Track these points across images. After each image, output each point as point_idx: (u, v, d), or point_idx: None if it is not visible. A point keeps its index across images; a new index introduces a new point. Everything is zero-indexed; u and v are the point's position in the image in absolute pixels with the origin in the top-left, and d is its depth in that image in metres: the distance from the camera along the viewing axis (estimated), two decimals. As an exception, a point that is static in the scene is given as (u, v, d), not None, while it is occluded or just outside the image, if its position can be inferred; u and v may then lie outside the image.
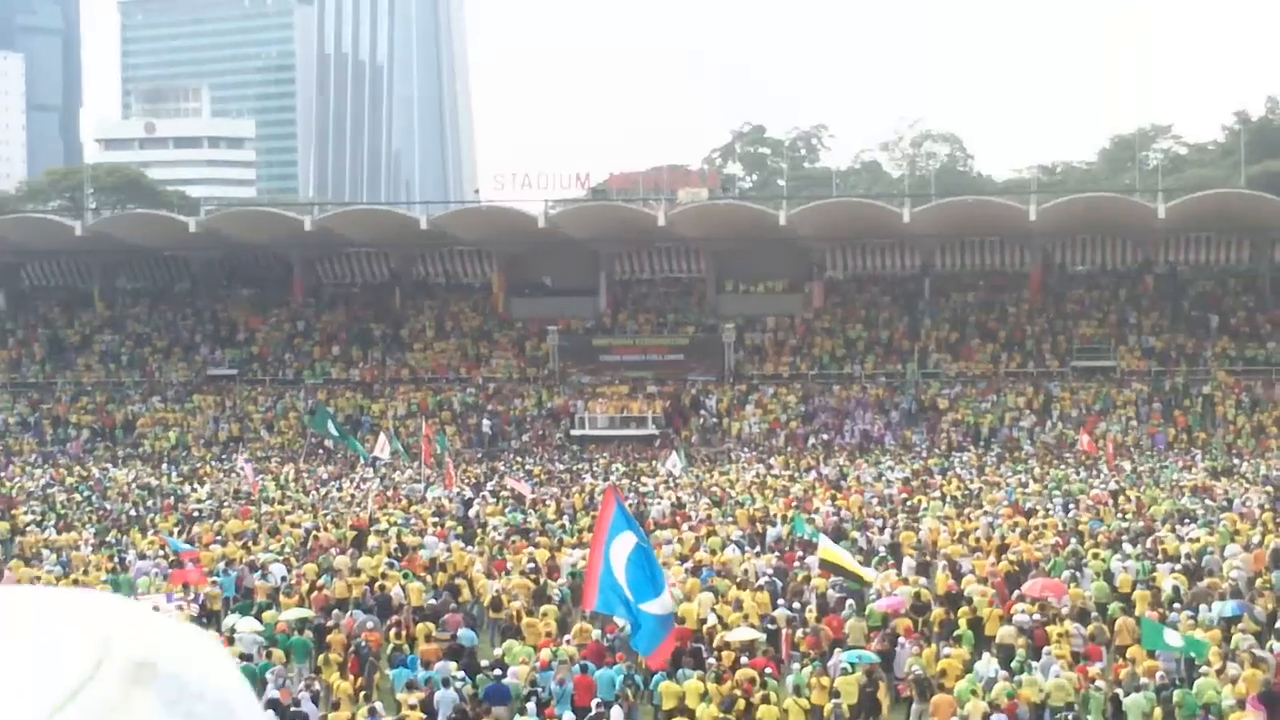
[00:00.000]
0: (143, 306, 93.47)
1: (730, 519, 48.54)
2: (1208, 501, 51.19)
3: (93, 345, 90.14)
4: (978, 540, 42.72)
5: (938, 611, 33.64)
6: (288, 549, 43.28)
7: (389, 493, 57.95)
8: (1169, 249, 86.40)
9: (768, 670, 29.17)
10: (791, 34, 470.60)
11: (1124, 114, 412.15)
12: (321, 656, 31.01)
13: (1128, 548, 40.89)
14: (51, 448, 79.52)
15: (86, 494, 59.91)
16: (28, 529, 49.47)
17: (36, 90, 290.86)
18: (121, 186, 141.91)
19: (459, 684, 28.21)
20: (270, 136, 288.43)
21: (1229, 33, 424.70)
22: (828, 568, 35.69)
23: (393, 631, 32.85)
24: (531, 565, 39.32)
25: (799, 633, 32.14)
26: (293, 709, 27.15)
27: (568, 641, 31.18)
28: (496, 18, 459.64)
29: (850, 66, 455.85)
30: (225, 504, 55.24)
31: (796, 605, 34.23)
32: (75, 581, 37.52)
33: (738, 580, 36.92)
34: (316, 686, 29.18)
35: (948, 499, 53.11)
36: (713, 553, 41.35)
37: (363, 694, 28.16)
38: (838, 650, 30.40)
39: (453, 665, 29.62)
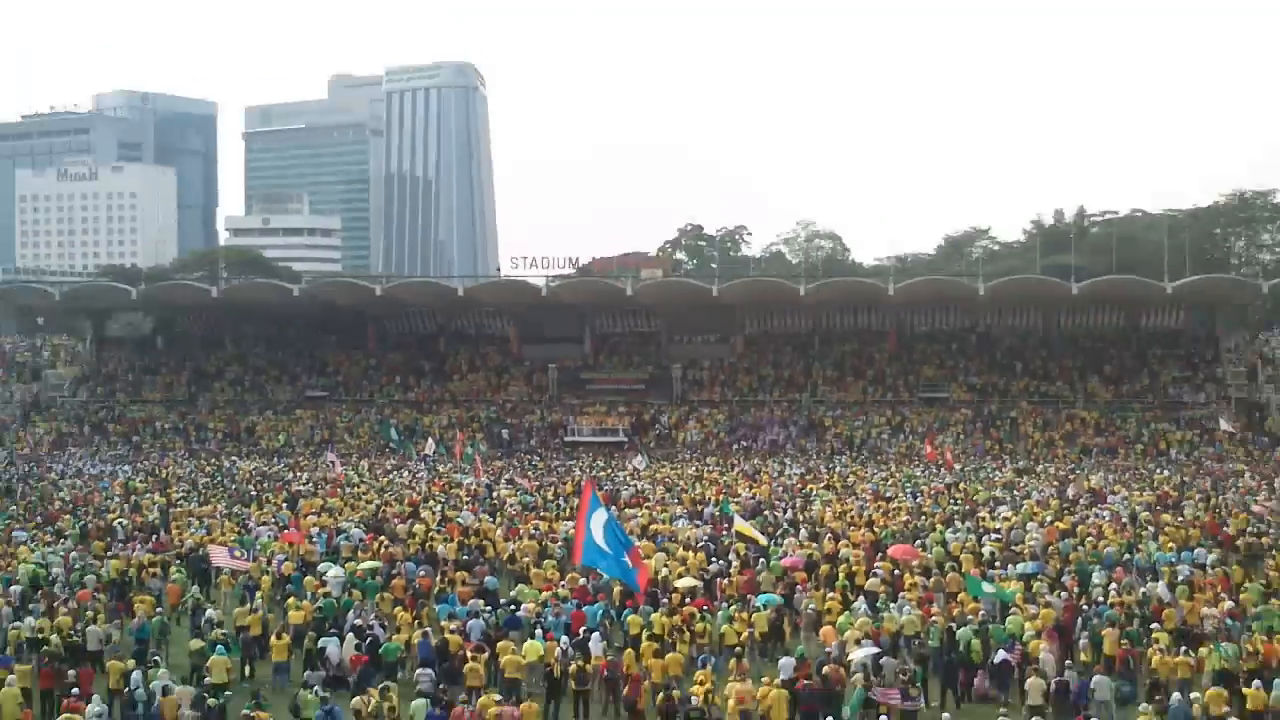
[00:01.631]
0: (261, 347, 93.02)
1: (678, 501, 48.50)
2: (1014, 493, 51.31)
3: (225, 374, 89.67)
4: (852, 517, 42.80)
5: (824, 568, 33.69)
6: (363, 519, 43.13)
7: (436, 480, 57.77)
8: (987, 315, 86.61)
9: (704, 608, 29.24)
10: (724, 153, 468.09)
11: (954, 215, 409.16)
12: (387, 595, 30.97)
13: (957, 524, 41.04)
14: (195, 446, 78.97)
15: (220, 479, 59.61)
16: (178, 503, 49.25)
17: (184, 194, 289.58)
18: (245, 263, 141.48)
19: (486, 616, 28.23)
20: (351, 229, 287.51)
21: (1035, 144, 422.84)
22: (739, 538, 35.94)
23: (439, 578, 32.83)
24: (536, 532, 39.33)
25: (725, 581, 32.17)
26: (368, 630, 27.12)
27: (563, 586, 31.19)
28: (516, 139, 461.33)
29: (764, 178, 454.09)
30: (319, 486, 54.98)
31: (723, 562, 34.26)
32: (213, 541, 37.31)
33: (683, 544, 36.97)
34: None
35: (831, 488, 53.19)
36: (665, 524, 41.41)
37: (416, 621, 28.14)
38: (752, 595, 30.51)
39: (481, 602, 29.63)
